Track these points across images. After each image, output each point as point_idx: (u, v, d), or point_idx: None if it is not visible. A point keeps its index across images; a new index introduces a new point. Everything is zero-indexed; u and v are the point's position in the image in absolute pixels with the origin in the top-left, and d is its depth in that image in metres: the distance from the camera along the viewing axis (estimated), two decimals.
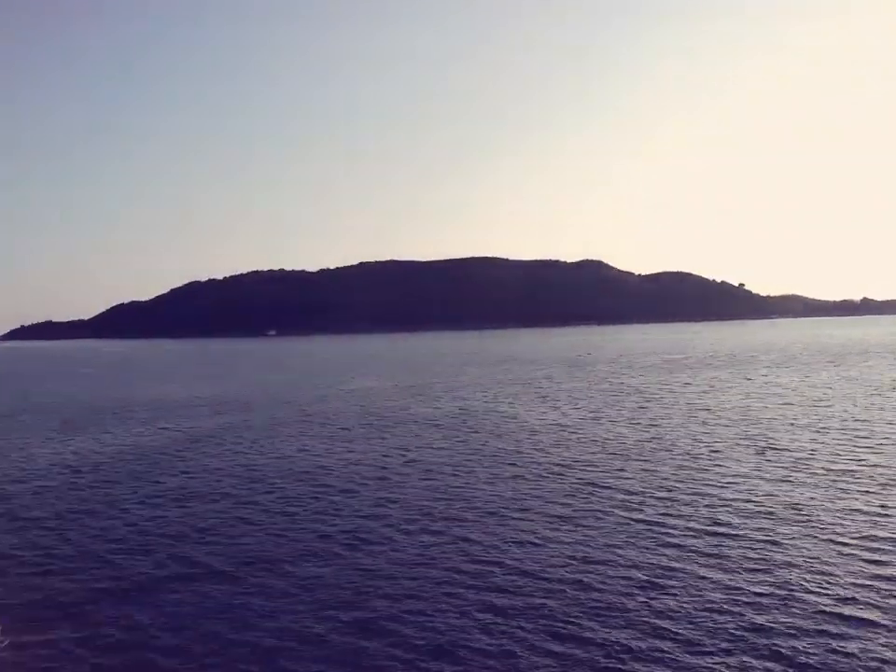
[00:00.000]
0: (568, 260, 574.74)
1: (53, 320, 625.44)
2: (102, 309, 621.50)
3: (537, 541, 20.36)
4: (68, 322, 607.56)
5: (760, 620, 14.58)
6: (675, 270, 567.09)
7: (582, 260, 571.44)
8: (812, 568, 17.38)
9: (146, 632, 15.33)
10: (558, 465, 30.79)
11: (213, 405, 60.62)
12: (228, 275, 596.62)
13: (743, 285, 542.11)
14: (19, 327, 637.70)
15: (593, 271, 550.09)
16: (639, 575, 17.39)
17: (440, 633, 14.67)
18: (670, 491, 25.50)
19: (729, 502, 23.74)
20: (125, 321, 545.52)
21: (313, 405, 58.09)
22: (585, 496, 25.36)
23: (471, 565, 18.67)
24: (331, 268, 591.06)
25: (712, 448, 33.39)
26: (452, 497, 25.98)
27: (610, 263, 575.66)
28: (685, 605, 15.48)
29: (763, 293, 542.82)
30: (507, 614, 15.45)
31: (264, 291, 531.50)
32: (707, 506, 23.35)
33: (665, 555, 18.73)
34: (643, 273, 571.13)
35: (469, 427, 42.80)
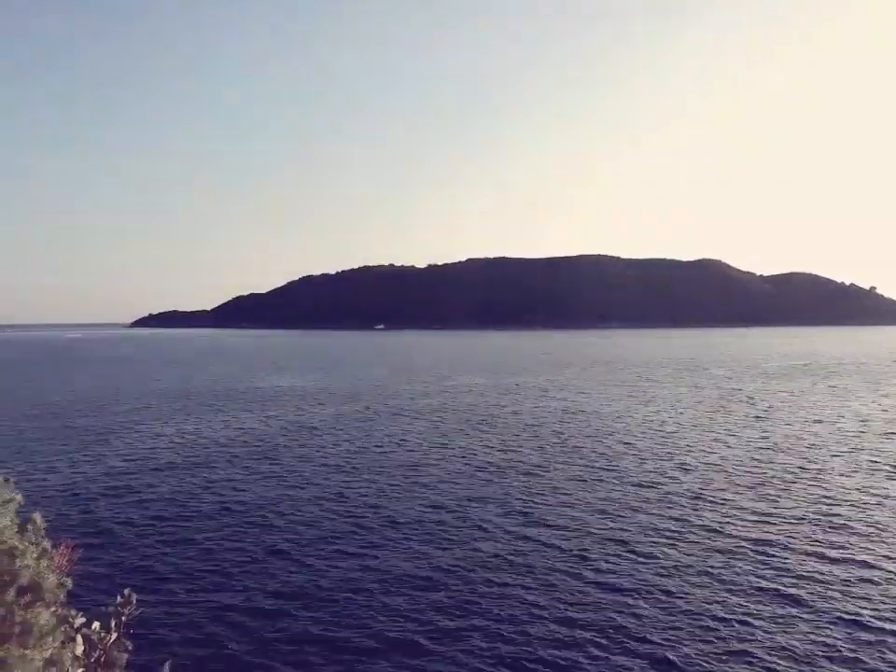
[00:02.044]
0: (685, 259, 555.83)
1: (178, 309, 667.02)
2: (224, 300, 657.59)
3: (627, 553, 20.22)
4: (192, 312, 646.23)
5: None
6: (800, 271, 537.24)
7: (700, 260, 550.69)
8: None
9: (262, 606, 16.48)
10: (650, 473, 30.26)
11: (321, 396, 63.12)
12: (339, 270, 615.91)
13: (875, 288, 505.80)
14: (147, 315, 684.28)
15: (711, 270, 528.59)
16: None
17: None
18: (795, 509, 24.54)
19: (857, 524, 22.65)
20: (244, 312, 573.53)
21: (416, 400, 59.36)
22: (684, 503, 24.85)
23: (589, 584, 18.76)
24: (439, 264, 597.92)
25: (827, 464, 31.81)
26: (543, 495, 26.11)
27: (730, 263, 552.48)
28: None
29: None
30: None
31: (374, 286, 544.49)
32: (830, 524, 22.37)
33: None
34: (765, 274, 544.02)
35: (565, 429, 42.57)
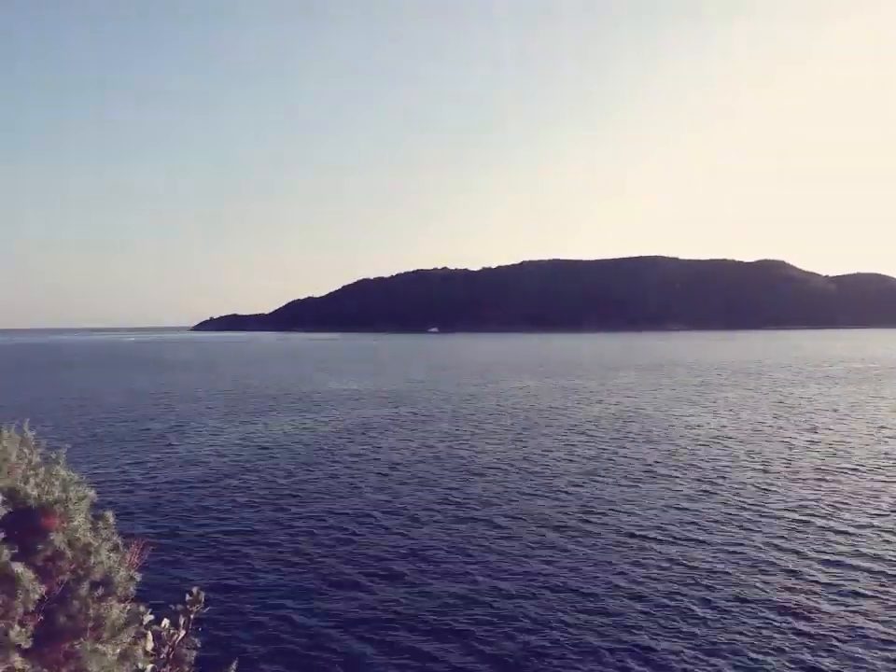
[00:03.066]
0: (745, 260, 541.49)
1: (238, 313, 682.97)
2: (281, 304, 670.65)
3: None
4: (251, 315, 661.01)
5: None
6: (865, 271, 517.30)
7: (760, 260, 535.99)
8: None
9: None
10: (707, 481, 29.51)
11: (375, 398, 63.66)
12: (394, 273, 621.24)
13: None
14: (208, 318, 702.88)
15: (772, 271, 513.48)
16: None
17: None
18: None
19: None
20: (300, 315, 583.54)
21: (470, 402, 59.31)
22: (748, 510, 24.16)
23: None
24: (493, 267, 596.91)
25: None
26: (597, 500, 25.73)
27: (793, 263, 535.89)
28: None
29: None
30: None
31: (428, 290, 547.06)
32: None
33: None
34: (829, 274, 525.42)
35: (621, 433, 41.89)
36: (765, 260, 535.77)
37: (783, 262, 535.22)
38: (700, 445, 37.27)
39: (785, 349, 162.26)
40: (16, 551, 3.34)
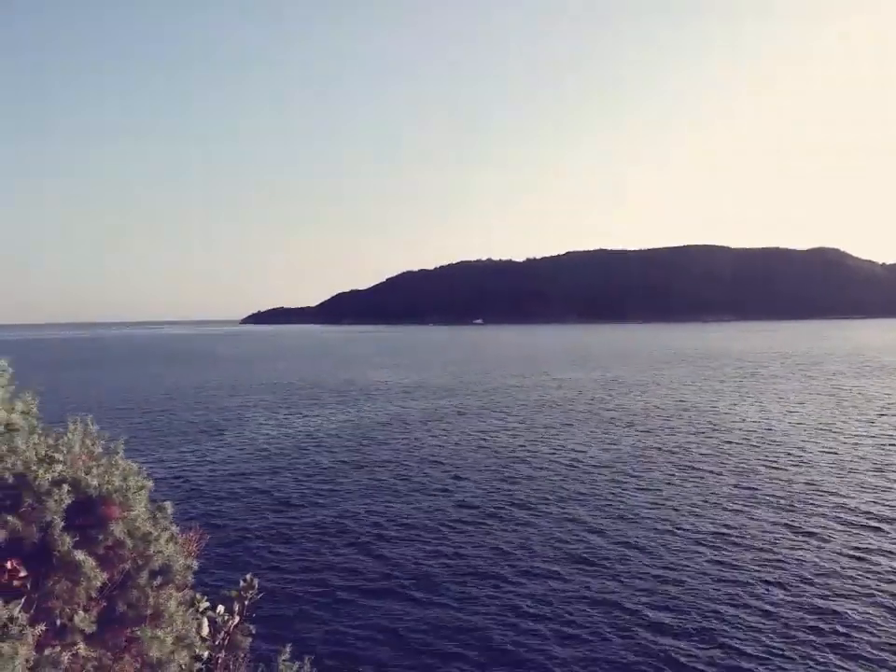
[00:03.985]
0: (799, 248, 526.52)
1: (285, 306, 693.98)
2: (326, 297, 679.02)
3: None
4: (297, 308, 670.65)
5: None
6: None
7: (815, 248, 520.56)
8: None
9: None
10: (755, 473, 28.84)
11: (420, 390, 63.91)
12: (438, 265, 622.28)
13: None
14: (256, 312, 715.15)
15: (827, 259, 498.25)
16: None
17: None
18: None
19: None
20: (346, 308, 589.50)
21: (514, 394, 59.13)
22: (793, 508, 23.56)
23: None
24: (538, 258, 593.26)
25: None
26: (646, 490, 25.40)
27: (848, 251, 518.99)
28: None
29: None
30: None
31: (472, 281, 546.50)
32: None
33: None
34: (887, 262, 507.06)
35: (670, 425, 41.23)
36: (820, 248, 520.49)
37: (838, 250, 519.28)
38: (752, 441, 36.44)
39: (839, 339, 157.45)
40: (78, 539, 3.44)
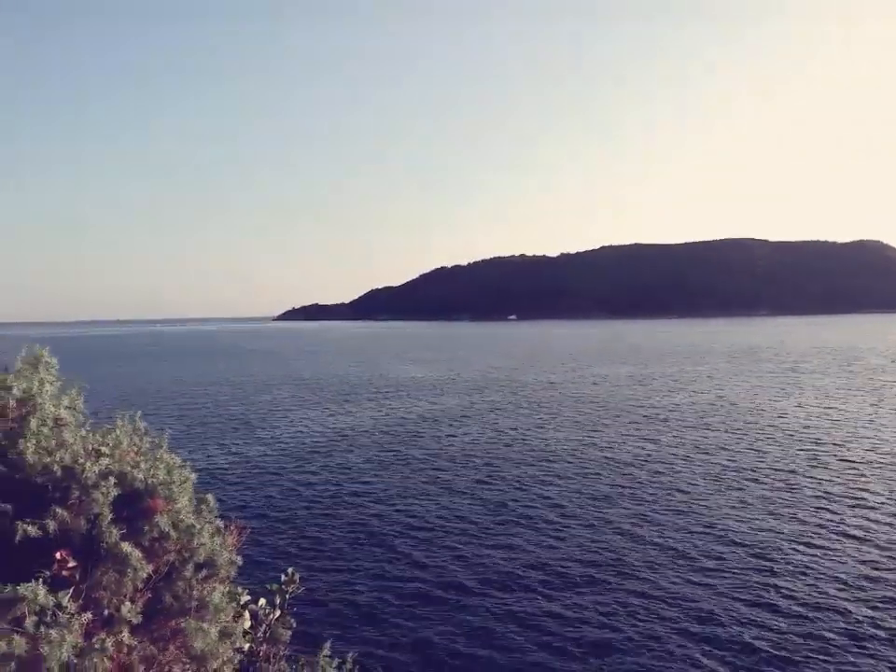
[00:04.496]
0: (840, 241, 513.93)
1: (319, 303, 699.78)
2: (360, 293, 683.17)
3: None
4: (331, 305, 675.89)
5: None
6: None
7: (855, 241, 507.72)
8: None
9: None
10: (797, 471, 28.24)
11: (454, 385, 63.94)
12: (471, 261, 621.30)
13: None
14: (290, 308, 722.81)
15: (869, 252, 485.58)
16: None
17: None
18: None
19: None
20: (379, 304, 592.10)
21: (548, 390, 58.81)
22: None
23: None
24: (572, 252, 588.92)
25: None
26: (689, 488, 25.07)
27: (892, 244, 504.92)
28: None
29: None
30: None
31: (505, 277, 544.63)
32: None
33: None
34: None
35: (707, 422, 40.62)
36: (862, 241, 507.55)
37: (880, 242, 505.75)
38: (794, 439, 35.75)
39: (881, 334, 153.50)
40: (124, 531, 3.49)
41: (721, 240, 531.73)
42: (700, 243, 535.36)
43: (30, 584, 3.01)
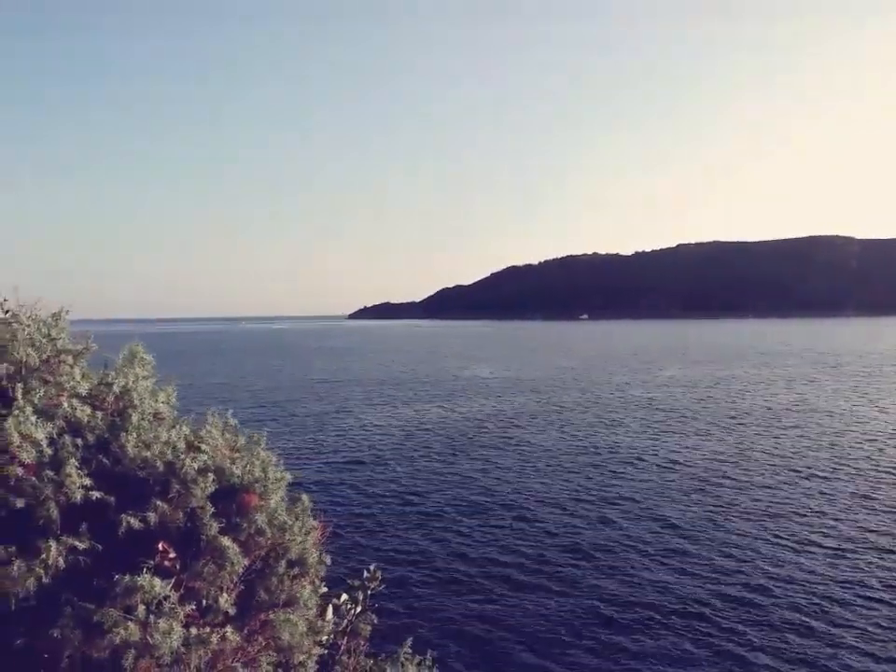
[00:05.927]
0: None
1: (391, 301, 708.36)
2: (432, 291, 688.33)
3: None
4: (403, 303, 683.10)
5: None
6: None
7: None
8: None
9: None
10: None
11: (527, 386, 63.63)
12: (543, 260, 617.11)
13: None
14: (362, 307, 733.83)
15: None
16: None
17: None
18: None
19: None
20: (450, 303, 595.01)
21: (620, 392, 57.83)
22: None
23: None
24: (647, 251, 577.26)
25: None
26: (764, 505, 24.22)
27: None
28: None
29: None
30: None
31: (578, 275, 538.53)
32: None
33: None
34: None
35: (784, 431, 39.09)
36: None
37: None
38: (875, 447, 34.02)
39: None
40: (223, 525, 3.64)
41: (805, 237, 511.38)
42: (783, 240, 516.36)
43: (146, 574, 3.16)
